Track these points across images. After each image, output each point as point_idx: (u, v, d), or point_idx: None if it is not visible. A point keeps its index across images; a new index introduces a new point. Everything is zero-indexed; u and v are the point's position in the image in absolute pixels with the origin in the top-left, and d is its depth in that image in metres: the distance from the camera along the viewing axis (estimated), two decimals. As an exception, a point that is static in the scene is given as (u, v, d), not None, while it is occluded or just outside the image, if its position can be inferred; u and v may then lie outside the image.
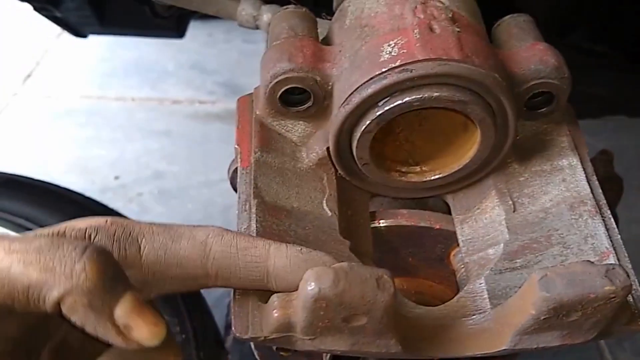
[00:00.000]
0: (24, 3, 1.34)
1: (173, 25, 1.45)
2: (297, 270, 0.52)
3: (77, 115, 2.49)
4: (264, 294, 0.56)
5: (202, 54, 2.69)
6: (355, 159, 0.65)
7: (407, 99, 0.60)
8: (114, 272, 0.47)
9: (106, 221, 0.51)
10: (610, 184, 0.99)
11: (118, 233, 0.50)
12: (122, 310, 0.46)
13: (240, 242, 0.52)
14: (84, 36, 1.49)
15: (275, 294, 0.53)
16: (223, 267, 0.52)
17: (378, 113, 0.61)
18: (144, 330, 0.46)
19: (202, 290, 1.42)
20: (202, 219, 2.02)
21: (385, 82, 0.59)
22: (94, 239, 0.50)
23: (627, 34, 1.51)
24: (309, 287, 0.49)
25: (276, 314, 0.52)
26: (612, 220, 0.65)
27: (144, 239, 0.51)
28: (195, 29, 2.41)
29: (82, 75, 2.70)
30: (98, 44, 2.49)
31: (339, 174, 0.68)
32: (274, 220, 0.62)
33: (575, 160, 0.68)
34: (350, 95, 0.61)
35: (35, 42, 2.80)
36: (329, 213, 0.65)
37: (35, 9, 1.37)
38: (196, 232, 0.52)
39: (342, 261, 0.61)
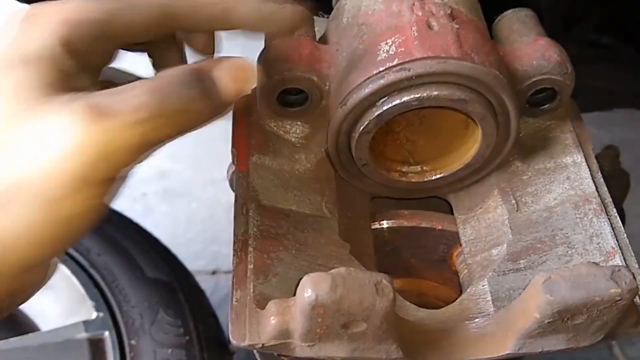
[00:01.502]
0: (22, 5, 1.33)
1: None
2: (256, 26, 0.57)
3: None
4: (261, 300, 0.55)
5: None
6: (355, 159, 0.64)
7: (405, 98, 0.58)
8: None
9: (66, 24, 0.50)
10: (616, 179, 0.98)
11: (87, 31, 0.51)
12: None
13: None
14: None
15: (272, 300, 0.52)
16: (186, 24, 0.55)
17: (376, 113, 0.59)
18: None
19: (206, 292, 1.42)
20: (207, 218, 2.01)
21: (382, 81, 0.58)
22: (73, 48, 0.50)
23: (633, 26, 1.49)
24: (306, 293, 0.48)
25: (273, 321, 0.51)
26: (618, 218, 0.63)
27: (109, 23, 0.51)
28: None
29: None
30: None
31: (339, 175, 0.67)
32: (271, 224, 0.61)
33: (579, 158, 0.67)
34: (347, 95, 0.60)
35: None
36: (329, 215, 0.64)
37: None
38: None
39: (343, 265, 0.61)
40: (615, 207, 0.73)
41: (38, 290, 0.54)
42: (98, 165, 0.46)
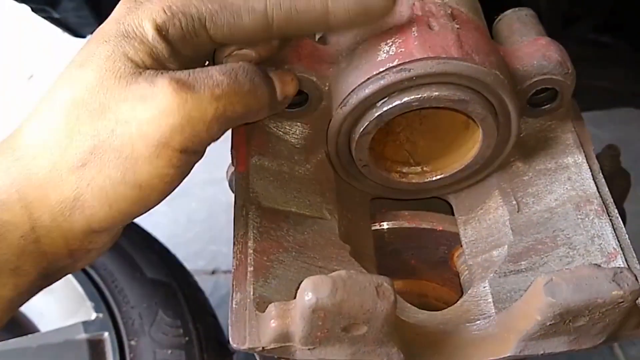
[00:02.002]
0: (22, 5, 1.33)
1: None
2: (356, 18, 0.57)
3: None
4: (261, 303, 0.54)
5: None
6: (355, 160, 0.64)
7: (405, 99, 0.58)
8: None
9: (165, 12, 0.54)
10: (617, 179, 0.97)
11: (184, 24, 0.55)
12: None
13: (299, 6, 0.56)
14: (83, 36, 1.48)
15: (272, 303, 0.52)
16: (288, 29, 0.57)
17: (377, 114, 0.59)
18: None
19: (206, 292, 1.41)
20: (206, 218, 2.01)
21: (383, 82, 0.57)
22: (167, 34, 0.54)
23: (632, 25, 1.48)
24: (307, 297, 0.47)
25: (274, 324, 0.51)
26: (620, 219, 0.63)
27: (207, 22, 0.55)
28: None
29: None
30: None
31: (339, 176, 0.67)
32: (271, 226, 0.60)
33: (580, 158, 0.67)
34: (347, 96, 0.59)
35: (37, 41, 2.79)
36: (329, 217, 0.64)
37: (33, 10, 1.36)
38: (253, 3, 0.56)
39: (343, 266, 0.60)
40: (616, 205, 0.73)
41: (100, 255, 0.58)
42: (179, 131, 0.51)
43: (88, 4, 1.35)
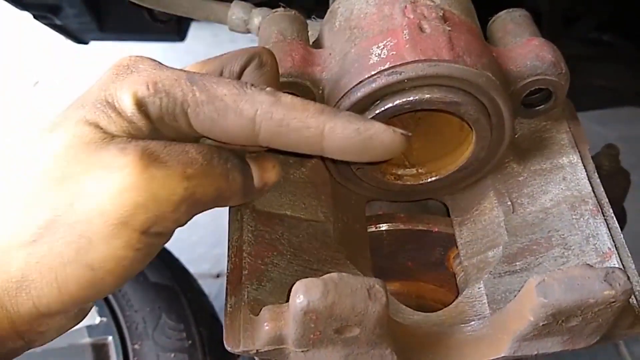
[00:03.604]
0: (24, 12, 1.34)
1: (173, 28, 1.44)
2: (353, 150, 0.52)
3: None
4: (255, 306, 0.55)
5: (207, 54, 2.67)
6: (349, 163, 0.64)
7: (397, 102, 0.58)
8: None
9: (148, 88, 0.50)
10: (616, 178, 0.97)
11: (164, 104, 0.51)
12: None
13: (291, 123, 0.51)
14: (85, 43, 1.49)
15: (265, 307, 0.52)
16: (274, 143, 0.52)
17: (369, 117, 0.59)
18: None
19: (211, 295, 1.42)
20: (210, 221, 1.99)
21: (374, 85, 0.58)
22: (145, 111, 0.51)
23: (634, 23, 1.48)
24: (298, 299, 0.48)
25: (267, 327, 0.51)
26: (614, 219, 0.63)
27: (189, 110, 0.51)
28: (200, 30, 2.39)
29: (90, 80, 2.69)
30: (105, 47, 2.49)
31: (334, 179, 0.67)
32: (266, 229, 0.61)
33: (575, 158, 0.67)
34: (340, 99, 0.60)
35: (42, 47, 2.80)
36: (324, 219, 0.64)
37: (35, 17, 1.37)
38: (243, 106, 0.51)
39: (338, 269, 0.61)
40: (616, 205, 0.73)
41: (61, 334, 0.53)
42: (141, 211, 0.47)
43: (89, 11, 1.36)
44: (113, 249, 0.47)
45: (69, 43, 1.60)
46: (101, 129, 0.49)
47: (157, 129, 0.51)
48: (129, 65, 0.52)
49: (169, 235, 0.51)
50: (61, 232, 0.47)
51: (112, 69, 0.53)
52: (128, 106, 0.50)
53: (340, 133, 0.51)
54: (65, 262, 0.47)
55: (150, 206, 0.47)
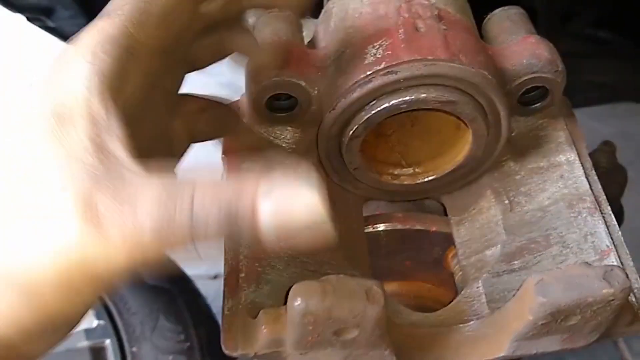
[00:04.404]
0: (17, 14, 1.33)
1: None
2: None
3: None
4: (253, 309, 0.54)
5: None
6: (346, 163, 0.64)
7: (394, 101, 0.58)
8: None
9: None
10: (614, 175, 0.97)
11: None
12: None
13: None
14: (80, 45, 1.48)
15: (263, 310, 0.52)
16: None
17: (365, 117, 0.59)
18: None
19: (208, 297, 1.41)
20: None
21: (370, 85, 0.57)
22: None
23: (631, 20, 1.48)
24: (296, 302, 0.47)
25: (265, 330, 0.51)
26: (612, 216, 0.63)
27: None
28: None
29: (86, 82, 2.69)
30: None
31: (331, 179, 0.67)
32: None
33: (573, 156, 0.66)
34: (336, 99, 0.59)
35: (38, 49, 2.79)
36: None
37: (29, 19, 1.37)
38: None
39: (336, 270, 0.60)
40: (614, 203, 0.73)
41: (52, 349, 0.48)
42: (85, 272, 0.41)
43: (83, 13, 1.35)
44: (65, 300, 0.42)
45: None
46: (62, 152, 0.41)
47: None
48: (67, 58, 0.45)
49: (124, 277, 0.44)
50: (7, 281, 0.42)
51: (55, 64, 0.45)
52: (91, 101, 0.42)
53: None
54: (21, 312, 0.42)
55: (94, 269, 0.41)
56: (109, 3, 0.47)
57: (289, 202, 0.41)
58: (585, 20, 1.52)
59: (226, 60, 0.60)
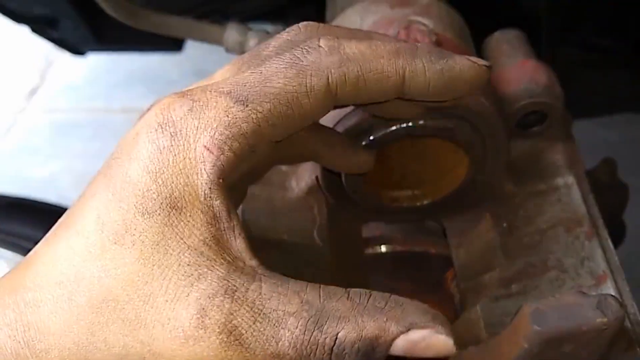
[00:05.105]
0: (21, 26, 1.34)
1: (170, 39, 1.44)
2: (436, 92, 0.48)
3: (83, 129, 2.50)
4: None
5: (205, 61, 2.66)
6: (345, 186, 0.64)
7: (392, 128, 0.58)
8: None
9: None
10: (615, 191, 0.97)
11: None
12: None
13: (368, 77, 0.45)
14: (82, 54, 1.49)
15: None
16: (350, 102, 0.48)
17: (363, 143, 0.59)
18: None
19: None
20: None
21: (368, 113, 0.58)
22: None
23: (633, 28, 1.48)
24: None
25: None
26: (609, 241, 0.63)
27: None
28: (198, 37, 2.39)
29: (87, 88, 2.70)
30: (101, 55, 2.49)
31: (330, 201, 0.67)
32: (262, 255, 0.61)
33: (571, 179, 0.67)
34: (334, 126, 0.60)
35: (38, 56, 2.80)
36: (320, 243, 0.64)
37: (33, 30, 1.38)
38: (311, 80, 0.44)
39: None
40: (615, 219, 0.73)
41: None
42: None
43: (87, 22, 1.36)
44: None
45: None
46: (188, 247, 0.40)
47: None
48: (176, 134, 0.43)
49: None
50: None
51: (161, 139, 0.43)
52: (209, 197, 0.41)
53: (422, 78, 0.46)
54: None
55: None
56: (242, 84, 0.44)
57: (424, 344, 0.44)
58: (588, 29, 1.52)
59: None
